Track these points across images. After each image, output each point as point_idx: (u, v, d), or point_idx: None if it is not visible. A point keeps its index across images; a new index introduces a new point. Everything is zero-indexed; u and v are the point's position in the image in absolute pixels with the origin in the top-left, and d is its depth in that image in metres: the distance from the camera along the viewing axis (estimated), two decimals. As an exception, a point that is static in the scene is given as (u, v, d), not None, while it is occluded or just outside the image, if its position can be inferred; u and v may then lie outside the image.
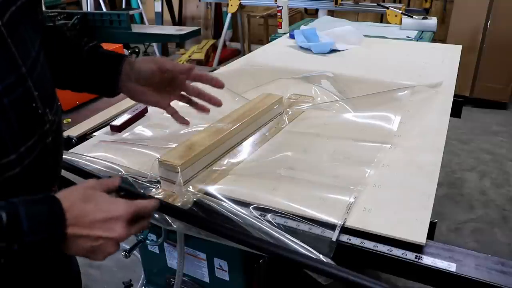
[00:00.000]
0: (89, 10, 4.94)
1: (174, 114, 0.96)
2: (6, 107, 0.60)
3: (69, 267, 0.87)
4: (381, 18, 4.16)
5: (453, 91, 1.37)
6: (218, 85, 0.94)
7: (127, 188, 0.73)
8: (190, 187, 0.88)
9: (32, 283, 0.75)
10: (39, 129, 0.67)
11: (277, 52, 1.90)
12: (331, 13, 3.83)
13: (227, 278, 1.03)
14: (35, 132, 0.66)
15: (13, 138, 0.62)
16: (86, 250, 0.62)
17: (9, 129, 0.61)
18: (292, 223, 0.79)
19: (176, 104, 0.97)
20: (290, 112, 1.22)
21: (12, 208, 0.56)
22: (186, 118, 0.96)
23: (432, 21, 2.45)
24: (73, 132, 1.19)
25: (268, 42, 2.21)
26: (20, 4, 0.66)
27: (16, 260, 0.57)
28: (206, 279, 1.07)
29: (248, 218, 0.79)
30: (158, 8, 5.49)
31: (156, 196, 0.85)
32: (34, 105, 0.65)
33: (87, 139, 1.16)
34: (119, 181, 0.71)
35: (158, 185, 0.89)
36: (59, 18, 2.60)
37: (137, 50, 2.57)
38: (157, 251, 1.12)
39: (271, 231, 0.76)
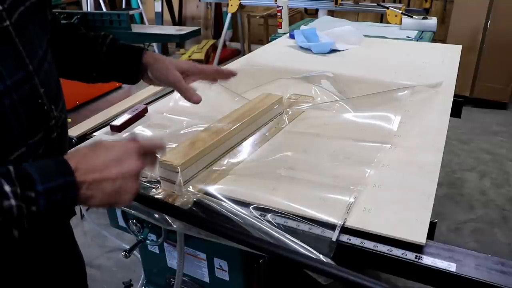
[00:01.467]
0: (89, 10, 4.93)
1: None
2: (16, 103, 0.62)
3: (74, 264, 0.87)
4: (381, 18, 4.16)
5: (453, 91, 1.37)
6: (228, 75, 1.00)
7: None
8: (190, 187, 0.88)
9: (37, 279, 0.75)
10: (45, 124, 0.69)
11: (277, 52, 1.90)
12: (331, 13, 3.83)
13: (227, 278, 1.03)
14: (41, 128, 0.68)
15: (22, 132, 0.64)
16: (109, 194, 0.61)
17: (18, 123, 0.63)
18: (292, 223, 0.79)
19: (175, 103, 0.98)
20: (290, 112, 1.22)
21: (15, 166, 0.56)
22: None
23: (432, 21, 2.45)
24: (73, 132, 1.19)
25: (268, 42, 2.21)
26: (29, 5, 0.67)
27: (40, 222, 0.56)
28: (206, 279, 1.07)
29: (248, 218, 0.79)
30: (158, 8, 5.49)
31: (156, 196, 0.85)
32: (40, 101, 0.67)
33: (87, 139, 1.16)
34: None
35: (158, 185, 0.89)
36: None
37: (137, 50, 2.58)
38: (157, 251, 1.12)
39: (271, 231, 0.76)
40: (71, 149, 0.65)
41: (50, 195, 0.55)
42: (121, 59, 0.93)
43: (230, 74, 1.00)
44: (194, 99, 0.91)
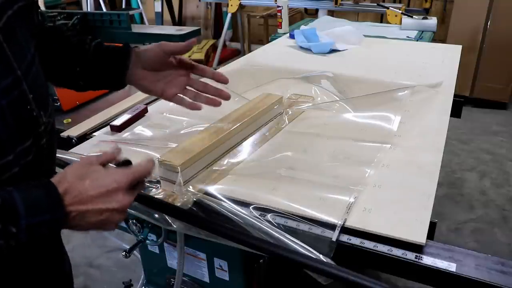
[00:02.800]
0: (89, 10, 4.94)
1: (181, 102, 0.96)
2: (4, 108, 0.61)
3: (61, 267, 0.86)
4: (381, 18, 4.16)
5: (453, 91, 1.37)
6: (222, 79, 0.96)
7: (123, 160, 0.74)
8: (190, 187, 0.88)
9: (24, 283, 0.74)
10: (34, 131, 0.67)
11: (277, 52, 1.90)
12: (331, 13, 3.83)
13: (227, 278, 1.03)
14: (30, 134, 0.66)
15: (10, 139, 0.63)
16: (94, 224, 0.63)
17: (6, 130, 0.62)
18: (292, 223, 0.79)
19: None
20: (290, 112, 1.22)
21: (6, 193, 0.56)
22: (196, 104, 0.96)
23: (432, 21, 2.45)
24: (73, 132, 1.19)
25: (268, 42, 2.21)
26: (16, 9, 0.66)
27: (21, 251, 0.58)
28: (206, 279, 1.07)
29: (248, 218, 0.79)
30: (158, 8, 5.49)
31: (156, 196, 0.85)
32: (29, 107, 0.66)
33: (87, 139, 1.16)
34: (116, 154, 0.72)
35: (158, 185, 0.89)
36: (59, 18, 2.60)
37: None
38: (157, 251, 1.12)
39: (271, 231, 0.76)
40: (60, 172, 0.64)
41: (33, 230, 0.56)
42: (108, 61, 0.92)
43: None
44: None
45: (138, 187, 0.70)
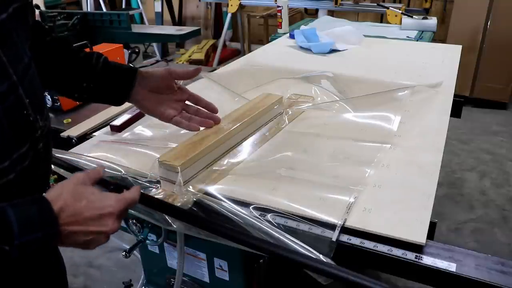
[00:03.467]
0: (89, 10, 4.94)
1: (180, 123, 0.98)
2: (0, 115, 0.60)
3: (57, 266, 0.86)
4: (381, 18, 4.16)
5: (453, 91, 1.37)
6: (213, 109, 1.02)
7: (114, 182, 0.75)
8: (190, 187, 0.88)
9: (22, 281, 0.74)
10: (31, 135, 0.67)
11: (277, 52, 1.90)
12: (331, 13, 3.83)
13: (227, 278, 1.03)
14: (27, 139, 0.66)
15: (6, 145, 0.62)
16: (79, 243, 0.64)
17: (2, 136, 0.61)
18: (292, 223, 0.79)
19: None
20: (290, 112, 1.22)
21: (0, 210, 0.56)
22: (193, 125, 0.99)
23: (432, 21, 2.45)
24: (73, 132, 1.19)
25: (268, 42, 2.21)
26: (11, 11, 0.65)
27: (16, 263, 0.58)
28: (206, 279, 1.07)
29: (248, 218, 0.79)
30: (158, 8, 5.49)
31: (156, 196, 0.85)
32: (25, 112, 0.65)
33: (87, 139, 1.16)
34: (102, 172, 0.73)
35: (158, 185, 0.89)
36: (59, 18, 2.60)
37: (137, 50, 2.57)
38: (157, 251, 1.12)
39: (271, 231, 0.76)
40: (55, 187, 0.64)
41: (25, 247, 0.57)
42: (114, 80, 0.95)
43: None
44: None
45: (125, 213, 0.71)
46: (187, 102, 1.01)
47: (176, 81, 0.99)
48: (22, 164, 0.65)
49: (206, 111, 1.01)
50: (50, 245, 0.60)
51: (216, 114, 1.01)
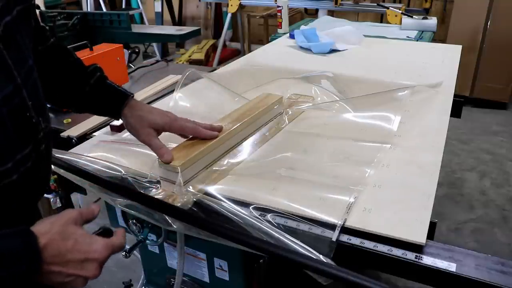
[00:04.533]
0: (89, 10, 4.94)
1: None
2: (4, 117, 0.61)
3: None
4: (381, 18, 4.16)
5: (453, 91, 1.37)
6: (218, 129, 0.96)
7: (102, 226, 0.72)
8: (190, 187, 0.88)
9: None
10: (33, 137, 0.67)
11: (277, 52, 1.90)
12: (331, 13, 3.83)
13: (227, 278, 1.03)
14: (30, 140, 0.66)
15: (10, 146, 0.62)
16: (55, 282, 0.61)
17: (6, 138, 0.61)
18: (292, 223, 0.79)
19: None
20: (290, 112, 1.22)
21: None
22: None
23: (432, 21, 2.45)
24: (73, 132, 1.19)
25: (268, 42, 2.21)
26: (15, 13, 0.65)
27: None
28: (206, 279, 1.07)
29: (248, 218, 0.79)
30: (158, 8, 5.49)
31: (156, 196, 0.85)
32: (28, 114, 0.66)
33: (87, 139, 1.16)
34: (96, 212, 0.70)
35: (158, 185, 0.89)
36: (59, 18, 2.59)
37: (137, 50, 2.57)
38: (157, 251, 1.12)
39: (271, 231, 0.76)
40: (45, 221, 0.61)
41: (4, 279, 0.55)
42: (103, 101, 0.93)
43: (211, 134, 0.94)
44: (164, 158, 0.86)
45: (107, 259, 0.68)
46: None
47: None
48: (25, 165, 0.65)
49: (205, 130, 0.94)
50: (29, 280, 0.57)
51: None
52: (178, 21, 5.86)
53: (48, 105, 1.33)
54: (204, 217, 0.81)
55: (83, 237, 0.63)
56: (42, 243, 0.57)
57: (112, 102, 0.92)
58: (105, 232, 0.70)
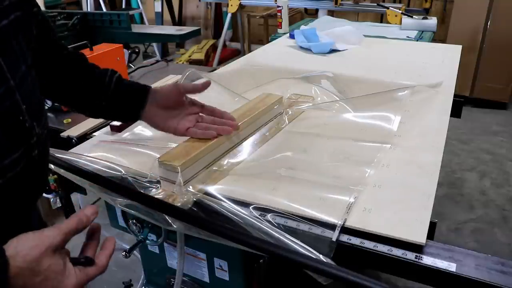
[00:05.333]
0: (89, 10, 4.94)
1: (195, 133, 0.96)
2: None
3: None
4: (381, 18, 4.16)
5: (453, 91, 1.37)
6: (230, 118, 0.99)
7: (85, 259, 0.66)
8: (190, 187, 0.88)
9: None
10: (25, 142, 0.66)
11: (277, 52, 1.90)
12: (331, 13, 3.83)
13: (227, 278, 1.03)
14: (21, 145, 0.65)
15: None
16: None
17: None
18: (292, 223, 0.79)
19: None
20: (290, 112, 1.22)
21: None
22: (210, 132, 0.95)
23: (432, 21, 2.45)
24: (73, 132, 1.19)
25: (268, 42, 2.21)
26: (12, 18, 0.65)
27: None
28: (206, 279, 1.07)
29: (248, 218, 0.79)
30: (158, 8, 5.49)
31: (156, 196, 0.85)
32: (21, 118, 0.64)
33: (87, 139, 1.16)
34: (92, 218, 0.65)
35: (158, 185, 0.89)
36: (59, 18, 2.59)
37: (137, 50, 2.57)
38: (157, 251, 1.12)
39: (271, 231, 0.76)
40: (25, 243, 0.56)
41: None
42: (126, 99, 0.95)
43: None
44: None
45: None
46: (201, 114, 0.99)
47: (186, 95, 0.97)
48: (13, 170, 0.63)
49: (222, 120, 0.98)
50: None
51: (231, 132, 0.98)
52: (178, 21, 5.86)
53: (48, 106, 1.35)
54: (204, 217, 0.81)
55: (55, 273, 0.58)
56: (12, 271, 0.54)
57: (136, 95, 0.95)
58: (86, 262, 0.64)
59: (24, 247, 0.56)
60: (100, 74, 0.95)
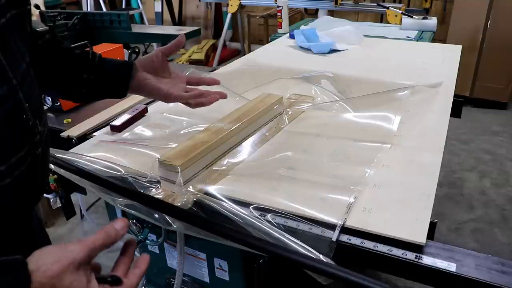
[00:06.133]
0: (89, 10, 4.94)
1: (188, 102, 1.00)
2: None
3: None
4: (381, 18, 4.16)
5: (453, 91, 1.37)
6: (214, 82, 1.07)
7: (112, 278, 0.63)
8: (190, 187, 0.88)
9: None
10: (29, 140, 0.66)
11: (277, 52, 1.90)
12: (331, 13, 3.83)
13: (227, 278, 1.03)
14: (26, 143, 0.65)
15: (4, 149, 0.61)
16: None
17: (0, 140, 0.60)
18: (292, 223, 0.79)
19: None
20: (290, 112, 1.22)
21: None
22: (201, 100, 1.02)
23: (432, 21, 2.45)
24: (73, 132, 1.19)
25: (268, 42, 2.21)
26: (9, 17, 0.65)
27: None
28: (206, 279, 1.07)
29: (248, 218, 0.79)
30: (158, 8, 5.50)
31: (156, 196, 0.85)
32: (25, 116, 0.65)
33: (87, 139, 1.16)
34: (120, 236, 0.63)
35: (158, 185, 0.89)
36: (59, 18, 2.60)
37: (137, 50, 2.57)
38: (157, 251, 1.12)
39: (271, 231, 0.76)
40: (47, 257, 0.53)
41: None
42: (113, 71, 0.97)
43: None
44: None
45: None
46: (188, 86, 1.03)
47: (172, 70, 1.01)
48: (19, 168, 0.63)
49: (211, 91, 1.04)
50: None
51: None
52: (178, 21, 5.86)
53: (48, 106, 1.35)
54: (204, 217, 0.81)
55: (78, 286, 0.55)
56: (34, 284, 0.51)
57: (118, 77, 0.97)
58: (113, 282, 0.61)
59: (46, 261, 0.53)
60: (82, 52, 0.96)
